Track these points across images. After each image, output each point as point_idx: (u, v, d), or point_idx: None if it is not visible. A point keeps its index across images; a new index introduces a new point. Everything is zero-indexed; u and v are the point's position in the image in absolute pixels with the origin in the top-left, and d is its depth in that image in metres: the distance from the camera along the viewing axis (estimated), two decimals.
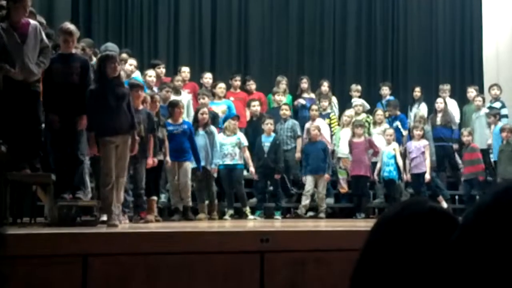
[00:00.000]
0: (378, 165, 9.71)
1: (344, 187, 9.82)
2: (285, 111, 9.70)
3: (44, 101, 5.98)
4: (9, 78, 5.69)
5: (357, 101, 10.86)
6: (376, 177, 9.71)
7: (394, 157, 9.68)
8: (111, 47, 8.49)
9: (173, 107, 8.13)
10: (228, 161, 8.78)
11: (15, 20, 5.81)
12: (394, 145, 9.81)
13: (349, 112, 10.32)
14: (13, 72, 5.70)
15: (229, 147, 8.78)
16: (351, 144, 9.57)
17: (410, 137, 10.29)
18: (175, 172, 7.98)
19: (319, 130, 9.43)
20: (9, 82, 5.70)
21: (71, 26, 6.21)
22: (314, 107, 10.00)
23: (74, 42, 6.23)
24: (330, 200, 9.88)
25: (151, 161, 7.13)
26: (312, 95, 10.77)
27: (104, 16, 11.04)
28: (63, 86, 5.99)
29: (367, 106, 10.83)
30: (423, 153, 9.70)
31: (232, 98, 10.11)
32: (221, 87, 9.93)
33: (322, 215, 9.14)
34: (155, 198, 7.48)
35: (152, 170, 7.34)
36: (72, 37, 6.15)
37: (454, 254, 0.88)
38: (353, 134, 9.64)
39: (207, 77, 10.20)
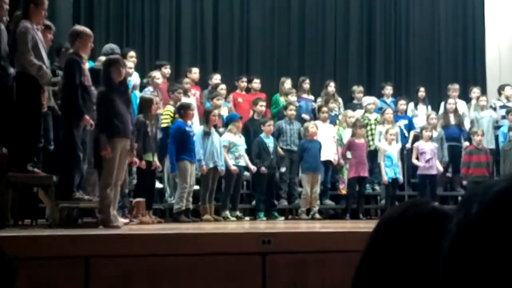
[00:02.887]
0: (383, 166, 9.60)
1: (345, 188, 9.79)
2: (293, 111, 9.68)
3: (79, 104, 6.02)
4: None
5: (368, 99, 10.76)
6: (385, 177, 9.57)
7: (397, 157, 9.66)
8: (116, 49, 8.50)
9: (185, 109, 8.21)
10: (241, 163, 8.86)
11: (37, 22, 5.88)
12: (398, 145, 9.77)
13: (351, 112, 10.28)
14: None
15: (241, 148, 8.83)
16: (352, 145, 9.50)
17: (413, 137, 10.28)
18: (190, 173, 8.05)
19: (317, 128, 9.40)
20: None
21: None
22: (325, 109, 9.93)
23: None
24: (331, 202, 9.87)
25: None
26: (311, 96, 10.73)
27: (106, 17, 11.04)
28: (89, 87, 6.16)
29: (379, 104, 10.77)
30: (435, 154, 9.68)
31: (240, 99, 10.11)
32: (222, 88, 9.94)
33: (317, 215, 9.12)
34: (141, 199, 7.44)
35: (144, 171, 7.41)
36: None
37: (454, 254, 0.87)
38: (354, 134, 9.56)
39: (216, 78, 10.20)
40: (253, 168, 8.92)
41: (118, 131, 5.83)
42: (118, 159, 5.85)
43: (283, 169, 9.30)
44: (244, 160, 8.95)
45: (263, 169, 8.95)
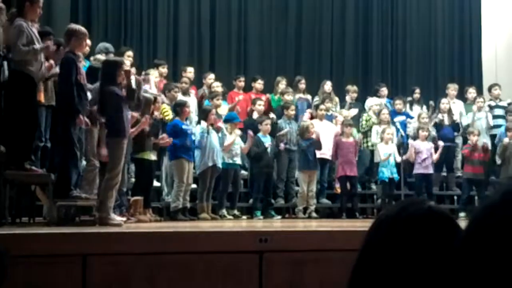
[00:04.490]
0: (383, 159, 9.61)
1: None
2: (293, 111, 9.69)
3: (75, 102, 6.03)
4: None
5: (375, 100, 10.74)
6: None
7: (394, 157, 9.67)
8: (110, 47, 8.50)
9: (181, 107, 8.22)
10: (238, 161, 8.88)
11: (31, 20, 5.90)
12: (393, 145, 9.79)
13: (346, 112, 10.30)
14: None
15: (237, 147, 8.86)
16: (339, 144, 9.48)
17: (407, 137, 10.30)
18: (187, 172, 8.08)
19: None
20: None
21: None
22: (322, 107, 9.94)
23: None
24: (327, 201, 9.88)
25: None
26: (308, 96, 10.75)
27: (104, 15, 11.04)
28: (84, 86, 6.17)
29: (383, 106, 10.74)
30: (431, 154, 9.70)
31: (237, 99, 10.13)
32: (218, 85, 9.94)
33: (313, 214, 9.14)
34: (138, 198, 7.46)
35: (142, 170, 7.46)
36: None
37: (462, 254, 0.89)
38: (342, 133, 9.56)
39: (211, 78, 10.21)
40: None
41: (124, 132, 5.91)
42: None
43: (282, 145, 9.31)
44: (240, 159, 8.98)
45: (281, 146, 9.05)
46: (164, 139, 7.68)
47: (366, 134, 10.18)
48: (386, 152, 9.58)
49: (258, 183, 9.05)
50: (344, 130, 9.50)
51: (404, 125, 10.35)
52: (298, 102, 10.38)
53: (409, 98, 11.14)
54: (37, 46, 5.78)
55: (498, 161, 9.94)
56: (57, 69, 6.23)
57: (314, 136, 9.18)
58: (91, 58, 8.06)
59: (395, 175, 9.56)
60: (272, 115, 9.70)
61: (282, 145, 9.21)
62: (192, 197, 8.44)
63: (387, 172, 9.54)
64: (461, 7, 13.19)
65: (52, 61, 6.31)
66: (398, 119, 10.16)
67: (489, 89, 11.23)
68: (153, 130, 7.50)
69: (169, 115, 8.48)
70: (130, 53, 9.11)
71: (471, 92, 11.18)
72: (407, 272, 1.10)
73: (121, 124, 5.89)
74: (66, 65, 6.02)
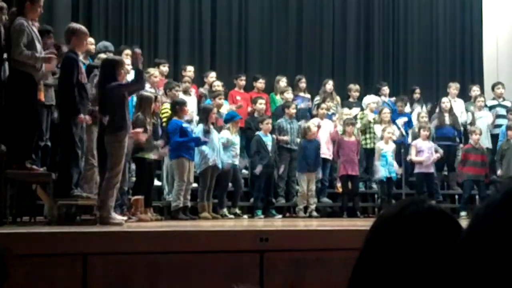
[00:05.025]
0: (378, 165, 9.62)
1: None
2: (294, 110, 9.69)
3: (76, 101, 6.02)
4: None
5: (372, 98, 10.75)
6: (378, 174, 9.58)
7: (392, 156, 9.67)
8: (110, 46, 8.50)
9: (180, 106, 8.23)
10: (236, 161, 8.89)
11: (32, 19, 5.91)
12: (393, 144, 9.78)
13: (347, 110, 10.29)
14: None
15: (237, 147, 8.87)
16: (340, 143, 9.47)
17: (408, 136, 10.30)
18: (187, 171, 8.10)
19: (318, 128, 9.40)
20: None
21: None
22: (323, 105, 9.94)
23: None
24: (328, 200, 9.88)
25: None
26: (308, 95, 10.74)
27: (104, 14, 11.03)
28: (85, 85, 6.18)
29: (381, 104, 10.75)
30: (432, 153, 9.69)
31: (238, 97, 10.12)
32: (218, 84, 9.95)
33: (314, 213, 9.14)
34: (139, 197, 7.46)
35: (143, 168, 7.48)
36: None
37: (463, 252, 0.89)
38: (343, 132, 9.56)
39: (212, 76, 10.22)
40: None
41: (126, 128, 5.93)
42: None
43: (281, 169, 9.31)
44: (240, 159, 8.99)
45: (257, 169, 8.95)
46: (162, 145, 7.75)
47: (362, 132, 10.17)
48: (385, 151, 9.57)
49: (259, 182, 9.05)
50: (346, 129, 9.49)
51: (408, 124, 10.33)
52: (299, 101, 10.37)
53: (405, 98, 11.10)
54: (38, 55, 5.80)
55: (499, 163, 9.93)
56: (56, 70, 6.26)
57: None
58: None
59: (393, 174, 9.56)
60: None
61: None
62: (192, 196, 8.44)
63: (385, 171, 9.53)
64: (462, 6, 13.19)
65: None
66: (401, 120, 10.16)
67: (492, 88, 11.22)
68: (153, 133, 7.53)
69: (167, 117, 8.47)
70: (128, 51, 9.12)
71: (475, 90, 11.16)
72: (408, 271, 1.10)
73: (123, 121, 5.88)
74: (67, 64, 6.02)
